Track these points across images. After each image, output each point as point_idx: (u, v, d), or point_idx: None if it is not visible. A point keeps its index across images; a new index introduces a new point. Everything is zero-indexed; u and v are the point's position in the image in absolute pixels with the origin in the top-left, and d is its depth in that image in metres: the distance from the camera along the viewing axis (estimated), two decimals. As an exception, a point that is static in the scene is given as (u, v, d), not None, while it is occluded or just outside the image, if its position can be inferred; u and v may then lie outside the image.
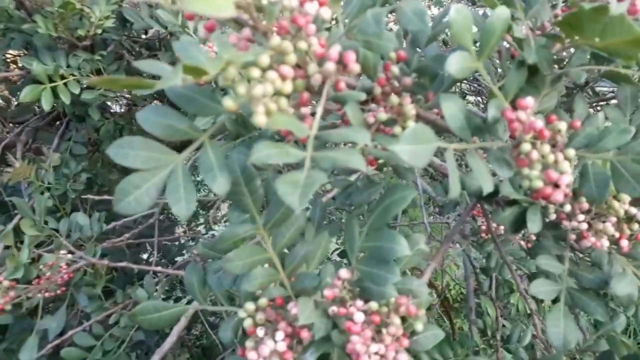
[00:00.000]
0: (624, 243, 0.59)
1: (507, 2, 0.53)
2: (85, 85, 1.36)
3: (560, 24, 0.44)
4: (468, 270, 1.40)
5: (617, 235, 0.59)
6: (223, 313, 0.58)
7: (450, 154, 0.44)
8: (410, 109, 0.48)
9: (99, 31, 1.31)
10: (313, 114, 0.45)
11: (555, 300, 0.61)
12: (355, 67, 0.41)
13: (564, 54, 0.52)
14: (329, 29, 0.54)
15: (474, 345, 1.00)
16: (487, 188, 0.42)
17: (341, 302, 0.48)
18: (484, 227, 1.02)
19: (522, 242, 0.99)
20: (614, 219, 0.59)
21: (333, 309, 0.48)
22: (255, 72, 0.36)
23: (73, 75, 1.32)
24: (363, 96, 0.48)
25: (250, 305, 0.49)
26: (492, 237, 0.85)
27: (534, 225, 0.60)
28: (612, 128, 0.46)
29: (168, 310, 0.54)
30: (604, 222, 0.59)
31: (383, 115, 0.49)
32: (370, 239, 0.46)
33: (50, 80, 1.27)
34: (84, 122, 1.57)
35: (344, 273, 0.48)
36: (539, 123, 0.42)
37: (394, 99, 0.48)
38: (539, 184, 0.43)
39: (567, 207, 0.60)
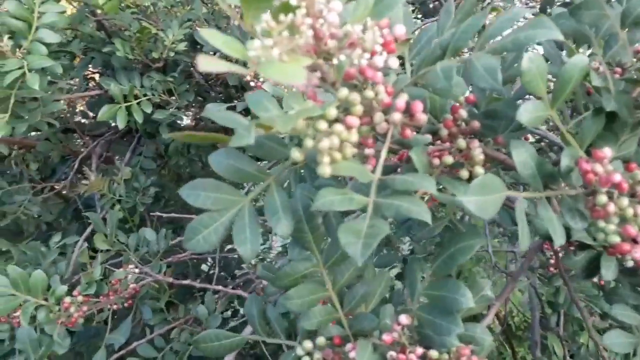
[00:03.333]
0: None
1: (584, 39, 0.51)
2: (157, 104, 1.44)
3: (642, 69, 0.42)
4: (534, 301, 1.33)
5: None
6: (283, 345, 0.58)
7: (520, 205, 0.42)
8: (478, 154, 0.47)
9: (172, 53, 1.38)
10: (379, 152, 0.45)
11: (633, 354, 0.57)
12: (423, 117, 0.40)
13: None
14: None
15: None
16: (558, 242, 0.41)
17: (400, 348, 0.48)
18: (552, 261, 0.97)
19: (595, 279, 0.93)
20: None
21: (392, 354, 0.47)
22: (322, 125, 0.37)
23: (146, 95, 1.39)
24: (428, 140, 0.47)
25: (308, 344, 0.50)
26: (560, 274, 0.81)
27: (608, 272, 0.56)
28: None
29: (229, 339, 0.56)
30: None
31: (449, 159, 0.48)
32: (433, 287, 0.46)
33: (125, 99, 1.35)
34: (155, 138, 1.66)
35: (404, 319, 0.48)
36: (617, 176, 0.40)
37: (462, 142, 0.47)
38: (615, 239, 0.41)
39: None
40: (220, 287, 1.04)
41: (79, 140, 1.88)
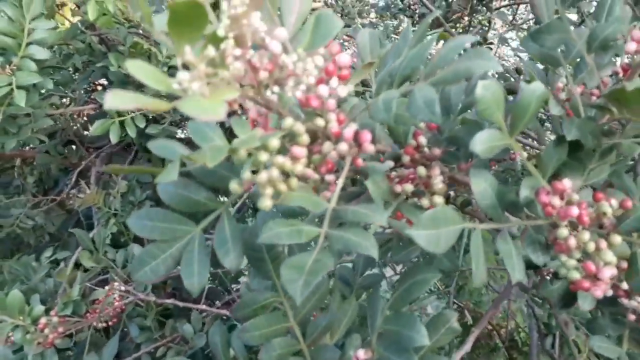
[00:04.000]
0: (693, 331, 0.51)
1: (554, 62, 0.49)
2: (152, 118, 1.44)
3: (607, 97, 0.40)
4: (532, 322, 1.30)
5: (684, 320, 0.52)
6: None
7: (476, 236, 0.40)
8: (438, 182, 0.45)
9: (165, 69, 1.38)
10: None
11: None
12: (370, 148, 0.39)
13: (615, 124, 0.47)
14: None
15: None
16: (516, 277, 0.39)
17: (359, 382, 0.46)
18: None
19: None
20: (681, 302, 0.52)
21: (350, 388, 0.46)
22: (263, 157, 0.35)
23: (140, 109, 1.40)
24: (386, 168, 0.46)
25: (266, 377, 0.48)
26: (546, 298, 0.79)
27: (585, 302, 0.54)
28: (668, 213, 0.40)
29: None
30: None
31: (409, 187, 0.46)
32: (390, 322, 0.44)
33: (119, 114, 1.35)
34: (151, 152, 1.66)
35: (362, 354, 0.46)
36: (575, 210, 0.38)
37: (422, 170, 0.46)
38: (575, 275, 0.39)
39: (625, 284, 0.54)
40: (204, 307, 1.03)
41: (80, 153, 1.90)
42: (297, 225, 0.39)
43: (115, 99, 0.26)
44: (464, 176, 0.50)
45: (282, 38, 0.35)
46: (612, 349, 0.55)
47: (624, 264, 0.44)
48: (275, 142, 0.36)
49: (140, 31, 1.45)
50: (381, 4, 3.07)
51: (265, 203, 0.36)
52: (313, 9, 0.42)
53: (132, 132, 1.33)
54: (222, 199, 0.47)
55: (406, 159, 0.48)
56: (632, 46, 0.40)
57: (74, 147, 1.81)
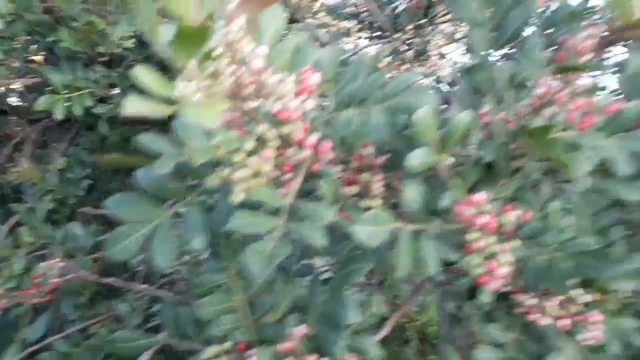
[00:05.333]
0: (565, 322, 0.64)
1: (481, 93, 0.59)
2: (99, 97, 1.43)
3: (518, 129, 0.51)
4: (443, 315, 1.44)
5: (560, 314, 0.64)
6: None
7: (404, 235, 0.49)
8: (377, 188, 0.54)
9: (118, 50, 1.38)
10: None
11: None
12: (329, 156, 0.47)
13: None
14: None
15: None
16: (432, 270, 0.48)
17: (296, 355, 0.53)
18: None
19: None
20: (559, 299, 0.65)
21: None
22: (240, 157, 0.42)
23: (89, 87, 1.39)
24: (335, 173, 0.54)
25: (214, 349, 0.54)
26: (457, 294, 0.90)
27: (485, 297, 0.65)
28: (551, 224, 0.51)
29: (143, 341, 0.60)
30: (549, 301, 0.64)
31: (354, 189, 0.54)
32: (328, 302, 0.52)
33: (66, 88, 1.34)
34: (93, 130, 1.64)
35: (301, 329, 0.54)
36: (484, 219, 0.47)
37: (365, 176, 0.54)
38: (477, 271, 0.49)
39: (519, 282, 0.66)
40: (144, 286, 1.06)
41: (13, 123, 1.82)
42: (260, 217, 0.45)
43: (134, 104, 0.31)
44: (398, 184, 0.59)
45: (263, 56, 0.42)
46: (502, 335, 0.67)
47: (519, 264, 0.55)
48: (250, 145, 0.42)
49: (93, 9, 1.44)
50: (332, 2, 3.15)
51: (237, 198, 0.42)
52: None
53: (78, 110, 1.33)
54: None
55: (354, 165, 0.56)
56: (540, 90, 0.51)
57: (9, 117, 1.74)
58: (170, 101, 0.36)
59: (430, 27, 2.45)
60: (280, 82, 0.39)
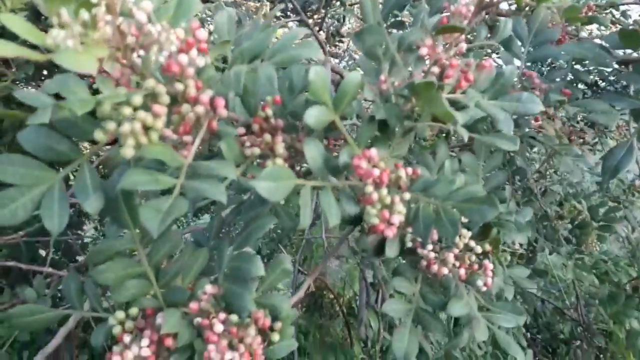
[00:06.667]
0: (462, 272, 0.69)
1: (373, 57, 0.62)
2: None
3: (407, 87, 0.54)
4: (362, 284, 1.50)
5: (457, 264, 0.70)
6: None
7: (305, 190, 0.51)
8: (280, 147, 0.55)
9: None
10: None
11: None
12: (223, 112, 0.47)
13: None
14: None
15: (352, 355, 1.09)
16: (333, 222, 0.50)
17: (206, 314, 0.54)
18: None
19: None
20: (456, 250, 0.70)
21: (197, 320, 0.53)
22: (126, 111, 0.41)
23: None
24: (237, 132, 0.54)
25: (120, 314, 0.53)
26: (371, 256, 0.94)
27: (391, 250, 0.69)
28: (442, 178, 0.55)
29: (44, 314, 0.57)
30: (447, 252, 0.69)
31: (257, 150, 0.55)
32: (233, 259, 0.53)
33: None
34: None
35: (209, 288, 0.54)
36: (376, 171, 0.50)
37: (267, 137, 0.55)
38: (375, 220, 0.51)
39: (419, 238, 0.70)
40: (49, 269, 1.01)
41: None
42: (154, 175, 0.45)
43: (3, 49, 0.30)
44: (301, 145, 0.61)
45: (148, 10, 0.41)
46: (408, 287, 0.71)
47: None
48: (138, 99, 0.42)
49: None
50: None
51: (127, 152, 0.42)
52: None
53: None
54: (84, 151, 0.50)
55: (255, 127, 0.56)
56: (423, 51, 0.54)
57: None
58: (45, 49, 0.35)
59: (342, 9, 2.49)
60: (164, 32, 0.39)
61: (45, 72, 1.65)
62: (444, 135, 1.01)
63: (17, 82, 1.40)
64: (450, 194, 0.54)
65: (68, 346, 1.48)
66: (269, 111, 0.55)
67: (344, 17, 2.40)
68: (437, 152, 0.75)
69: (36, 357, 0.92)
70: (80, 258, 1.70)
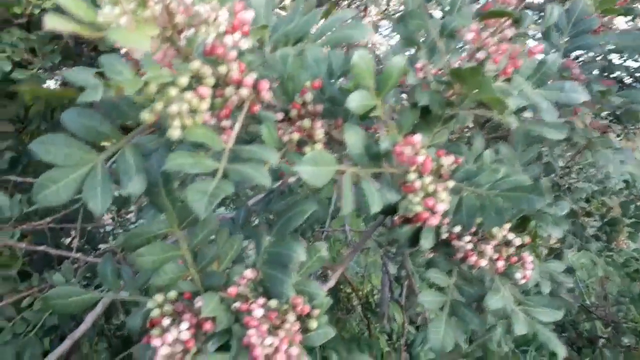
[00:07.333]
0: (500, 264, 0.68)
1: (411, 43, 0.60)
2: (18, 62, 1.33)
3: (450, 74, 0.52)
4: (385, 278, 1.49)
5: (495, 257, 0.68)
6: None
7: (347, 177, 0.50)
8: (319, 133, 0.54)
9: (37, 11, 1.28)
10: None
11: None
12: (267, 95, 0.46)
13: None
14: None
15: (379, 348, 1.09)
16: (374, 209, 0.49)
17: (244, 299, 0.53)
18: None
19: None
20: (494, 242, 0.68)
21: (235, 304, 0.53)
22: (173, 92, 0.40)
23: (4, 52, 1.28)
24: (276, 118, 0.53)
25: (159, 297, 0.53)
26: (399, 249, 0.93)
27: (426, 242, 0.68)
28: (485, 167, 0.54)
29: (80, 296, 0.57)
30: (486, 244, 0.68)
31: (295, 136, 0.54)
32: (273, 245, 0.52)
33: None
34: (14, 99, 1.53)
35: (248, 273, 0.53)
36: (421, 158, 0.49)
37: (306, 122, 0.54)
38: (418, 208, 0.50)
39: (457, 228, 0.69)
40: (78, 255, 1.01)
41: None
42: (199, 158, 0.44)
43: (52, 21, 0.29)
44: (338, 133, 0.60)
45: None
46: (443, 279, 0.70)
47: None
48: (184, 80, 0.41)
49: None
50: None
51: (174, 132, 0.41)
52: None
53: (-5, 74, 1.23)
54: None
55: (294, 112, 0.55)
56: (470, 35, 0.53)
57: None
58: (96, 27, 0.34)
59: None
60: (212, 11, 0.38)
61: (70, 62, 1.66)
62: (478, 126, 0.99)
63: (45, 70, 1.41)
64: (495, 183, 0.52)
65: (90, 332, 1.50)
66: (308, 96, 0.54)
67: (365, 9, 2.38)
68: (474, 142, 0.74)
69: (65, 340, 0.93)
70: (103, 246, 1.71)
